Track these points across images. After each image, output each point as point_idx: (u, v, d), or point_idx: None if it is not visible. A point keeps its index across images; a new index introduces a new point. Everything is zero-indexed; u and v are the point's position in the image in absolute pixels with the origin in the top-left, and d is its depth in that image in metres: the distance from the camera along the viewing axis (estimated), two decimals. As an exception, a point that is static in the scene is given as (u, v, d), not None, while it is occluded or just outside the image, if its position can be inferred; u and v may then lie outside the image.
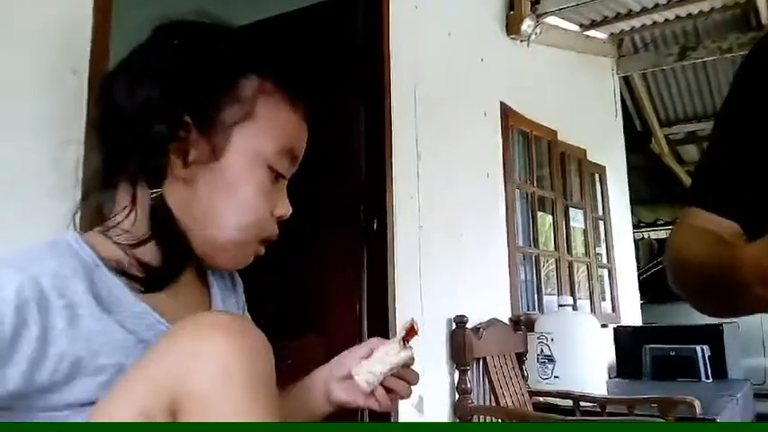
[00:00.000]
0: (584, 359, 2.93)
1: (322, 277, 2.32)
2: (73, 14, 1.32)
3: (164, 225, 0.65)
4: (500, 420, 2.47)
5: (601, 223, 4.47)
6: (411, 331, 0.75)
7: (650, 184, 7.27)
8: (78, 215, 0.74)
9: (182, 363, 0.53)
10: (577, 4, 3.69)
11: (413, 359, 0.76)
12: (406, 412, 2.25)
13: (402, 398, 0.78)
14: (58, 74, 1.26)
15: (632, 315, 4.68)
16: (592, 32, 4.44)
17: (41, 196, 1.14)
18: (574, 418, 2.55)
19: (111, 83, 0.67)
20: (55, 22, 1.28)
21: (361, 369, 0.75)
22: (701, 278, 0.76)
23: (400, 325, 0.75)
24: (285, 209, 0.71)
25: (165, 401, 0.52)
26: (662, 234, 8.16)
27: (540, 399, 2.85)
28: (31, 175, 1.16)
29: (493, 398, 2.59)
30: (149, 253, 0.66)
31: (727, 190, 0.80)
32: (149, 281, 0.64)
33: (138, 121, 0.64)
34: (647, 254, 7.68)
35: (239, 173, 0.66)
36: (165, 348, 0.55)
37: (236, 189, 0.66)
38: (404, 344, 0.75)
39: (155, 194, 0.65)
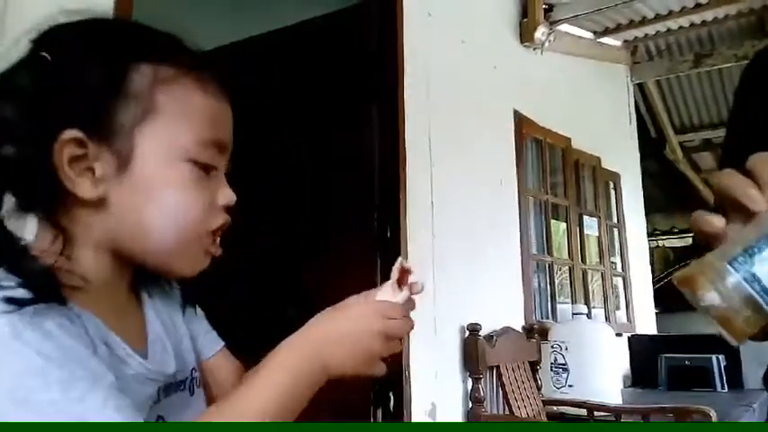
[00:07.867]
0: (598, 368, 2.90)
1: (335, 285, 2.31)
2: (94, 11, 1.34)
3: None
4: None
5: (615, 231, 4.44)
6: (403, 272, 0.71)
7: (665, 192, 7.20)
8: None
9: None
10: (591, 12, 3.69)
11: (412, 301, 0.72)
12: (419, 419, 2.24)
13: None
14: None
15: (647, 324, 4.64)
16: (606, 40, 4.43)
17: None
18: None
19: None
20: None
21: None
22: None
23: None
24: (227, 197, 0.64)
25: None
26: (677, 242, 8.07)
27: (554, 408, 2.83)
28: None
29: (506, 406, 2.58)
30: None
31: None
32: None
33: None
34: (662, 262, 7.60)
35: (155, 176, 0.59)
36: None
37: (156, 194, 0.59)
38: (398, 287, 0.71)
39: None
